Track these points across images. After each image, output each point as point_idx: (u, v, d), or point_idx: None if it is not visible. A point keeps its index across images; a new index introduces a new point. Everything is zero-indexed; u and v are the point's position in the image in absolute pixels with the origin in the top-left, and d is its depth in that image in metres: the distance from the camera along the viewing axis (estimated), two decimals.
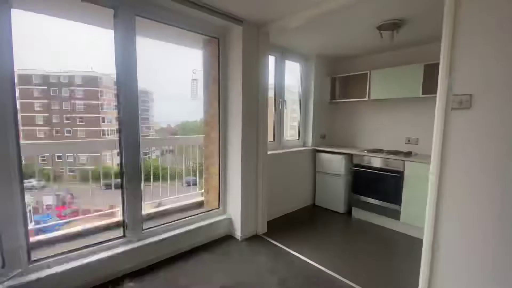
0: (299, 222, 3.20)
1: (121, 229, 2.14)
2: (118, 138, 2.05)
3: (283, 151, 3.32)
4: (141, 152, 2.16)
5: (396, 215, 2.95)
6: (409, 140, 3.33)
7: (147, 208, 3.14)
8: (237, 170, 2.64)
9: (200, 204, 3.46)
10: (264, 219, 2.85)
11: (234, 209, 2.73)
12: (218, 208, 2.81)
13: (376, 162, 3.10)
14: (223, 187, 2.82)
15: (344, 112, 4.00)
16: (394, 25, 2.44)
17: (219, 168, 2.79)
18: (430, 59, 2.87)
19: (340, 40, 3.07)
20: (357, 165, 3.29)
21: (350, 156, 3.46)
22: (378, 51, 3.41)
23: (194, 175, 3.53)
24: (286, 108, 3.42)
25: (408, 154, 3.05)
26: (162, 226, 2.36)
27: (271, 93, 3.10)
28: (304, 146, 3.88)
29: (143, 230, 2.22)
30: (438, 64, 2.79)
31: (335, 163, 3.49)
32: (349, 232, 3.02)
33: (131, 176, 2.08)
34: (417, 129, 3.26)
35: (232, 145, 2.69)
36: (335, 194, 3.53)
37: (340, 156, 3.43)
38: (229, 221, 2.77)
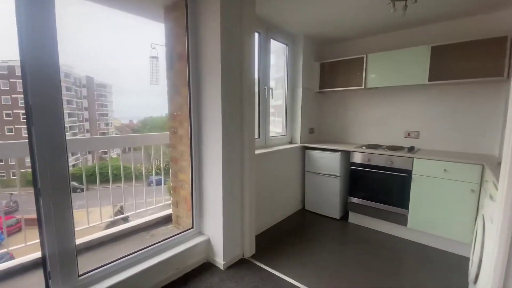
0: (291, 234, 2.67)
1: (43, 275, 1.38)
2: (28, 138, 1.28)
3: (270, 150, 2.74)
4: (67, 155, 1.40)
5: (402, 220, 2.56)
6: (408, 134, 2.98)
7: (104, 214, 2.40)
8: (216, 177, 2.00)
9: (167, 220, 2.76)
10: (252, 237, 2.25)
11: (213, 228, 2.09)
12: (192, 228, 2.15)
13: (379, 160, 2.67)
14: (197, 199, 2.15)
15: (335, 103, 3.55)
16: None
17: (192, 175, 2.12)
18: (437, 40, 2.50)
19: (335, 14, 2.55)
20: (355, 164, 2.85)
21: (346, 154, 3.01)
22: (376, 31, 2.97)
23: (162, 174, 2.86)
24: (272, 97, 2.84)
25: (411, 149, 2.68)
26: (113, 264, 1.64)
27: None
28: (291, 143, 3.35)
29: (79, 275, 1.48)
30: (449, 46, 2.48)
31: (328, 162, 3.02)
32: (348, 242, 2.56)
33: (53, 189, 1.33)
34: (417, 121, 2.90)
35: (208, 144, 2.04)
36: (328, 197, 3.07)
37: (335, 154, 2.96)
38: (207, 244, 2.12)
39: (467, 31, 2.48)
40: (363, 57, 2.92)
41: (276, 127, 3.32)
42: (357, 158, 2.82)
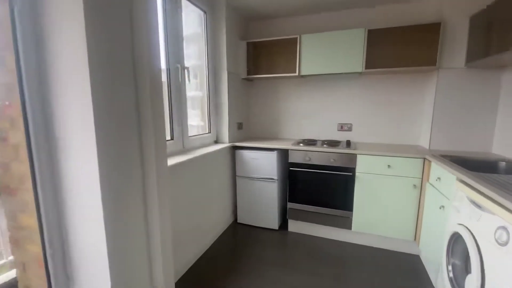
0: (224, 264, 2.01)
1: None
2: None
3: (191, 156, 1.95)
4: None
5: (346, 223, 2.30)
6: (342, 127, 2.77)
7: None
8: (93, 215, 1.10)
9: (13, 286, 1.60)
10: None
11: None
12: None
13: (320, 158, 2.31)
14: (56, 257, 1.18)
15: (265, 92, 3.03)
16: None
17: (40, 216, 1.13)
18: (373, 25, 2.28)
19: None
20: (294, 164, 2.41)
21: (283, 152, 2.55)
22: (310, 9, 2.56)
23: None
24: (189, 81, 2.02)
25: (348, 144, 2.44)
26: None
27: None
28: (217, 142, 2.64)
29: None
30: (385, 30, 2.08)
31: (263, 163, 2.48)
32: (290, 257, 2.10)
33: None
34: (350, 113, 2.72)
35: (71, 159, 1.09)
36: (265, 205, 2.55)
37: (271, 153, 2.45)
38: None
39: (403, 17, 2.36)
40: (296, 38, 2.48)
41: (194, 121, 2.52)
42: (297, 157, 2.39)
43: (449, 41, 2.09)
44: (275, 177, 2.46)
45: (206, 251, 2.20)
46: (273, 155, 2.43)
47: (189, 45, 2.26)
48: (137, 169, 1.26)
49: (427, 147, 2.28)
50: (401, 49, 2.19)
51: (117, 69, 1.11)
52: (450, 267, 1.36)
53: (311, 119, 2.87)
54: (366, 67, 2.29)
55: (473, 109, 2.11)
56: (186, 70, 1.96)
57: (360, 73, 2.48)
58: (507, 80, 1.97)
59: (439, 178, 1.71)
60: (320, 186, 2.34)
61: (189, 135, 2.18)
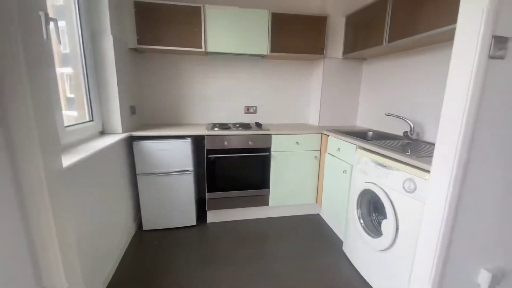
0: None
1: None
2: None
3: (71, 157, 1.31)
4: None
5: (264, 200, 2.41)
6: (248, 109, 2.80)
7: None
8: None
9: None
10: None
11: None
12: None
13: (238, 142, 2.23)
14: None
15: (161, 69, 2.53)
16: None
17: None
18: (278, 9, 2.35)
19: None
20: (212, 151, 2.20)
21: (197, 140, 2.26)
22: None
23: None
24: (60, 42, 1.29)
25: (259, 125, 2.52)
26: None
27: None
28: (104, 133, 1.96)
29: None
30: (286, 16, 2.35)
31: (175, 154, 2.11)
32: (215, 250, 1.98)
33: None
34: (255, 95, 2.79)
35: None
36: (179, 202, 2.21)
37: (184, 142, 2.11)
38: None
39: (301, 7, 2.58)
40: (200, 8, 2.17)
41: (70, 108, 1.73)
42: (215, 142, 2.20)
43: (332, 34, 2.51)
44: (190, 168, 2.16)
45: (110, 281, 1.65)
46: (187, 144, 2.11)
47: None
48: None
49: (317, 124, 2.73)
50: (298, 36, 2.41)
51: None
52: (361, 220, 1.72)
53: (217, 101, 2.70)
54: (272, 51, 2.37)
55: (347, 92, 2.70)
56: (53, 24, 1.24)
57: (262, 56, 2.54)
58: (365, 70, 2.64)
59: (339, 149, 2.09)
60: (239, 170, 2.29)
61: (65, 125, 1.47)
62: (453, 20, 1.02)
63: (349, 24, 2.43)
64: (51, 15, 1.16)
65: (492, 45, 0.95)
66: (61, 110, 1.41)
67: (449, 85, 1.04)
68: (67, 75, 1.75)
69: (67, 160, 1.16)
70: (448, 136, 1.04)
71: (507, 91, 1.01)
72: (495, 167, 1.07)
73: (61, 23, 1.64)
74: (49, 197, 0.77)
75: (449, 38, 1.04)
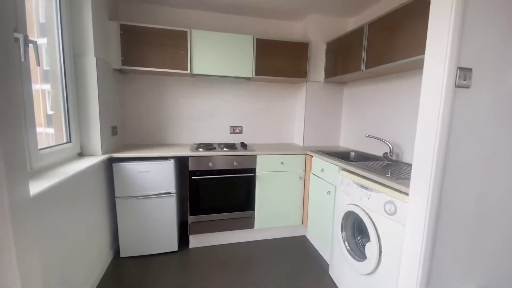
0: None
1: None
2: None
3: (44, 183, 1.24)
4: None
5: (250, 223, 2.35)
6: (234, 129, 2.81)
7: None
8: None
9: None
10: None
11: None
12: None
13: (222, 162, 2.21)
14: None
15: (145, 89, 2.52)
16: None
17: None
18: (262, 35, 2.45)
19: None
20: (196, 172, 2.16)
21: (180, 161, 2.22)
22: (200, 4, 2.37)
23: None
24: (38, 64, 1.26)
25: (244, 146, 2.52)
26: None
27: None
28: (83, 154, 1.88)
29: None
30: (270, 42, 2.50)
31: (157, 176, 2.05)
32: (198, 277, 1.89)
33: None
34: (240, 115, 2.81)
35: None
36: (160, 226, 2.12)
37: (167, 163, 2.06)
38: None
39: (285, 33, 2.72)
40: (186, 32, 2.23)
41: (40, 127, 1.65)
42: (199, 164, 2.16)
43: (314, 59, 2.63)
44: (173, 191, 2.10)
45: None
46: (170, 165, 2.06)
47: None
48: None
49: (301, 144, 2.76)
50: (282, 60, 2.49)
51: None
52: (346, 243, 1.71)
53: (202, 121, 2.70)
54: (256, 74, 2.44)
55: (329, 114, 2.78)
56: (32, 46, 1.22)
57: (248, 79, 2.60)
58: (346, 93, 2.75)
59: (323, 169, 2.12)
60: (224, 191, 2.25)
61: (40, 148, 1.40)
62: (424, 50, 1.10)
63: (329, 51, 2.56)
64: (34, 32, 1.14)
65: (457, 75, 1.02)
66: (35, 129, 1.35)
67: (421, 112, 1.10)
68: (48, 92, 1.70)
69: (37, 187, 1.09)
70: (423, 160, 1.08)
71: (474, 117, 1.08)
72: (468, 186, 1.12)
73: (43, 40, 1.62)
74: (12, 233, 0.71)
75: (422, 66, 1.12)
